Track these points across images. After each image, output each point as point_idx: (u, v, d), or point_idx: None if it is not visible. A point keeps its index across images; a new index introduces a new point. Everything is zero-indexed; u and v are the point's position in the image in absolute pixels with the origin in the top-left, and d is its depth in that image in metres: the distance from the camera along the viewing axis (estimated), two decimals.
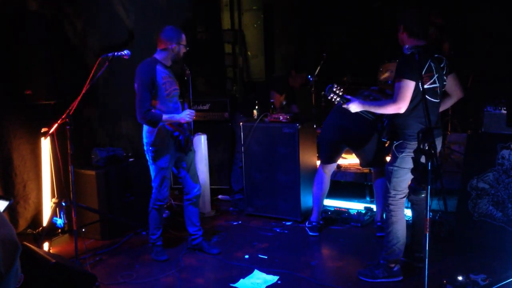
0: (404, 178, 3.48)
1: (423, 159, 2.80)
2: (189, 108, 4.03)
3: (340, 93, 3.45)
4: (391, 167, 3.50)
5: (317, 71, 5.98)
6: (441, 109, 3.60)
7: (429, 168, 2.70)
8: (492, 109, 4.46)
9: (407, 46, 3.08)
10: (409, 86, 3.27)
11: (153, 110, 3.78)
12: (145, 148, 3.99)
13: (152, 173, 4.03)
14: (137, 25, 5.75)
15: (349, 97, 3.46)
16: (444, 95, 3.58)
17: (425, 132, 2.79)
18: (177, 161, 4.08)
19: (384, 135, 3.65)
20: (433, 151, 2.74)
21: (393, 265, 3.59)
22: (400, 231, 3.56)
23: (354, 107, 3.45)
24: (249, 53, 8.10)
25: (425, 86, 3.30)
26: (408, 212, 4.43)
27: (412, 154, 3.35)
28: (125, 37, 5.54)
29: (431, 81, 3.35)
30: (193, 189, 4.16)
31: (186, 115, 3.87)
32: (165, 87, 3.85)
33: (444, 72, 3.44)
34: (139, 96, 3.76)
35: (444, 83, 3.47)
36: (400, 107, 3.31)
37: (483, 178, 4.14)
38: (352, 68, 6.49)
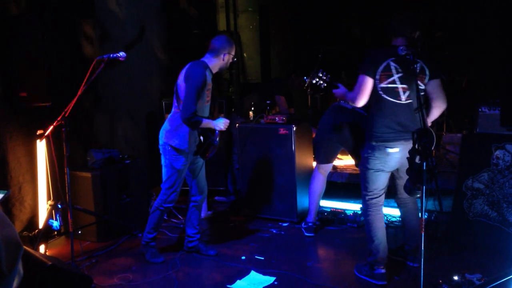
0: (370, 179, 3.52)
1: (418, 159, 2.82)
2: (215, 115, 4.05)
3: (328, 80, 3.53)
4: (359, 168, 3.60)
5: (313, 72, 6.00)
6: (429, 120, 3.51)
7: (424, 168, 2.71)
8: (487, 109, 4.48)
9: (401, 48, 3.11)
10: (365, 81, 3.35)
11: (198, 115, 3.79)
12: (163, 147, 3.92)
13: (165, 175, 3.97)
14: (134, 25, 5.75)
15: (339, 84, 3.57)
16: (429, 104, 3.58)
17: (420, 132, 2.81)
18: (190, 164, 4.06)
19: None
20: (428, 151, 2.75)
21: (375, 267, 3.57)
22: (373, 231, 3.55)
23: (338, 94, 3.60)
24: (245, 54, 8.12)
25: (382, 85, 3.38)
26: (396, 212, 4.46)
27: (374, 155, 3.43)
28: (121, 38, 5.54)
29: (389, 80, 3.37)
30: (201, 193, 4.17)
31: (221, 123, 3.88)
32: (207, 94, 3.86)
33: (416, 74, 3.29)
34: (189, 97, 3.72)
35: (421, 87, 3.38)
36: (355, 98, 3.40)
37: (478, 178, 4.16)
38: (348, 69, 6.52)
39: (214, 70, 3.92)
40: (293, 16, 7.91)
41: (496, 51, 6.02)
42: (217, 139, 4.01)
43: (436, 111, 3.56)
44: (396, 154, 3.42)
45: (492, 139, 4.15)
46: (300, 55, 7.54)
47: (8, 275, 1.19)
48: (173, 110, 3.95)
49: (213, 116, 4.07)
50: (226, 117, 5.85)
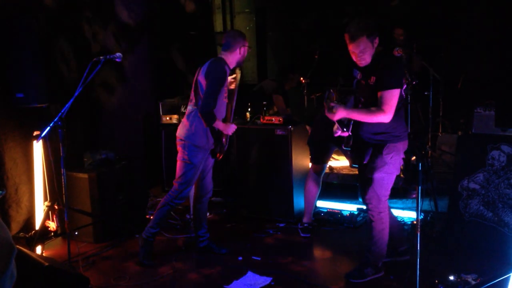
0: (393, 181, 3.54)
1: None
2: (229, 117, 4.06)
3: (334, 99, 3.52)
4: (383, 174, 3.44)
5: (309, 73, 6.01)
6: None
7: (420, 168, 2.73)
8: (482, 110, 4.50)
9: (397, 49, 3.12)
10: (396, 95, 3.31)
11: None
12: (183, 144, 3.91)
13: (181, 170, 3.93)
14: (132, 27, 5.75)
15: (333, 104, 3.41)
16: None
17: (417, 132, 2.82)
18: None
19: (348, 144, 3.53)
20: (423, 152, 2.77)
21: (378, 262, 3.66)
22: (387, 234, 3.60)
23: (338, 114, 3.37)
24: None
25: (404, 88, 3.41)
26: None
27: (398, 155, 3.42)
28: (119, 38, 5.54)
29: (406, 82, 3.43)
30: (208, 192, 4.21)
31: (230, 129, 3.95)
32: (225, 90, 3.91)
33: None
34: (211, 92, 3.76)
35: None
36: (390, 117, 3.32)
37: (474, 179, 4.18)
38: (344, 69, 6.53)
39: (232, 65, 3.98)
40: (290, 17, 7.92)
41: (492, 52, 6.05)
42: (227, 142, 4.08)
43: None
44: None
45: (488, 140, 4.17)
46: (297, 56, 7.55)
47: (1, 277, 1.19)
48: (190, 107, 3.95)
49: (228, 117, 4.05)
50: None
